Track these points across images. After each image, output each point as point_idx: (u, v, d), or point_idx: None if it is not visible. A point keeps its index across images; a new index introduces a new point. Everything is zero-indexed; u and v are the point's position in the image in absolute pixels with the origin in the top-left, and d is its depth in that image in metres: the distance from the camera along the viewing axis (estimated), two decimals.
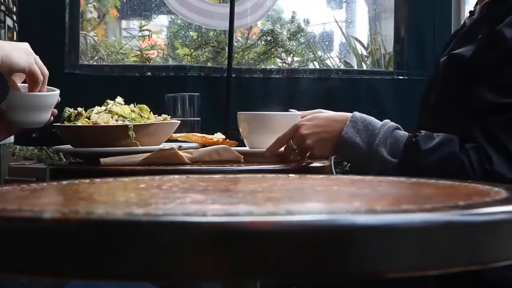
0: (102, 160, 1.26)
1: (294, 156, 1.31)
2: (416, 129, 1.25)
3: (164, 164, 1.24)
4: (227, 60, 1.69)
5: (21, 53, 1.21)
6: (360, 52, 2.93)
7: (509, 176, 1.08)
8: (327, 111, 1.34)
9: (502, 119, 1.11)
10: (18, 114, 1.24)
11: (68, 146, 1.40)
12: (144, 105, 1.39)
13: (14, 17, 3.09)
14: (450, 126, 1.18)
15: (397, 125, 1.21)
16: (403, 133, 1.20)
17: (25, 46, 1.23)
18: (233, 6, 1.82)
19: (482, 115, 1.13)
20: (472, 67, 1.14)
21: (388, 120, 1.22)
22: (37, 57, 1.23)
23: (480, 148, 1.11)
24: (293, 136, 1.28)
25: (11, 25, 3.23)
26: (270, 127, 1.40)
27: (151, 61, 3.01)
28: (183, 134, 1.46)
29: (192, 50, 2.92)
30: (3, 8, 3.17)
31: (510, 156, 1.09)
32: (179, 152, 1.26)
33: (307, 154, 1.30)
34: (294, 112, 1.44)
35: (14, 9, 3.08)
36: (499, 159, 1.09)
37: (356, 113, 1.24)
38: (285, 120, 1.39)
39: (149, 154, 1.26)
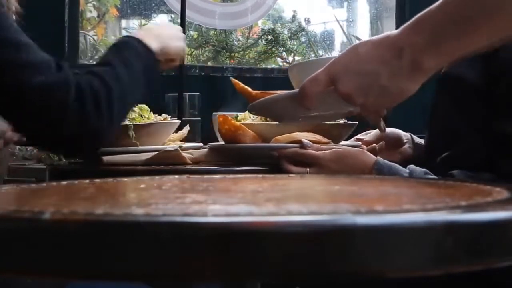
0: (105, 158, 1.26)
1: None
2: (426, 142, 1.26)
3: (165, 164, 1.24)
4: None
5: (176, 42, 1.28)
6: None
7: None
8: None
9: None
10: None
11: None
12: (144, 105, 1.39)
13: (13, 17, 3.09)
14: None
15: (425, 170, 1.17)
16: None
17: (178, 32, 1.31)
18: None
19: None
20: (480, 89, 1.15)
21: (412, 166, 1.18)
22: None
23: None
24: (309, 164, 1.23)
25: None
26: None
27: None
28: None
29: (192, 50, 2.92)
30: None
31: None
32: (182, 153, 1.26)
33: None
34: None
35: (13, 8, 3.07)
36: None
37: (379, 159, 1.19)
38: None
39: (153, 155, 1.26)
